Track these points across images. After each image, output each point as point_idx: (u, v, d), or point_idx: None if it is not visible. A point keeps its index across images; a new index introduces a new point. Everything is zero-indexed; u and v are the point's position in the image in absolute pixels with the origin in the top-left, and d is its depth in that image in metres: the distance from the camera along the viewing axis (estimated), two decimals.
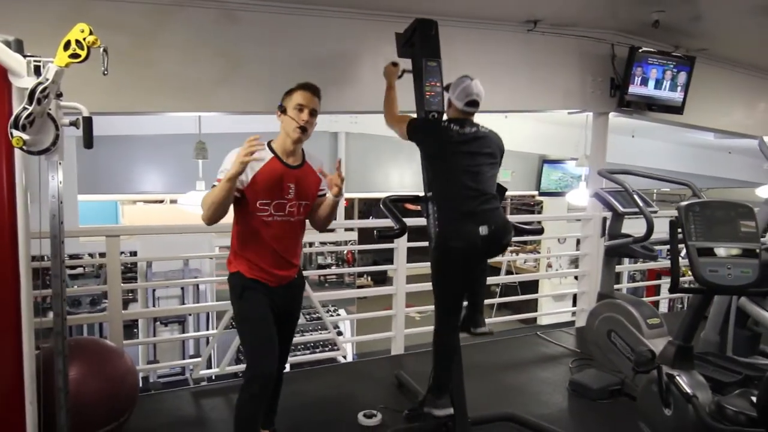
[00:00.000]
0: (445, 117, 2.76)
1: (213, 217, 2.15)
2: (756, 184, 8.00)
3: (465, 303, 2.79)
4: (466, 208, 2.51)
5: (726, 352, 3.51)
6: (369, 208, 13.22)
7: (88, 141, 2.01)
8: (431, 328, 2.76)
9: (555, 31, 4.13)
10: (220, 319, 3.41)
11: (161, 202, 8.13)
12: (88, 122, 2.00)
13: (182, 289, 6.44)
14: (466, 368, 2.77)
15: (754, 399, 1.95)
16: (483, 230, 2.48)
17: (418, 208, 2.83)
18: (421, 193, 2.87)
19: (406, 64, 2.92)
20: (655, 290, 6.82)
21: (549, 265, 8.66)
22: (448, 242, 2.57)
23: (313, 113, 2.27)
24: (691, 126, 5.06)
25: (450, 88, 2.70)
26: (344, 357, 4.56)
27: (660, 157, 8.92)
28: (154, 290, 6.28)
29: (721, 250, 2.12)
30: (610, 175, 3.29)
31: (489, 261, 2.83)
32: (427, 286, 3.73)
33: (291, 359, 3.26)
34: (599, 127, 4.62)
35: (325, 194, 2.40)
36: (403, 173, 7.70)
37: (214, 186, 2.16)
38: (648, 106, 4.51)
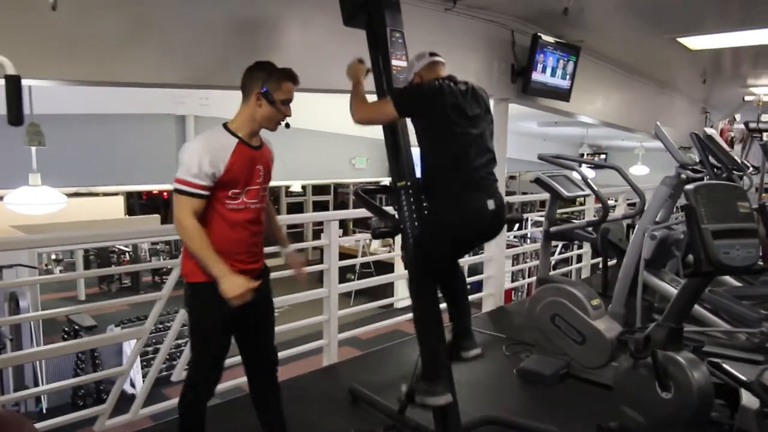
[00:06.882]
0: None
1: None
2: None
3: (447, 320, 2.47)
4: (472, 178, 2.18)
5: (635, 324, 3.79)
6: None
7: (16, 114, 1.28)
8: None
9: (469, 13, 4.03)
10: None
11: None
12: (13, 84, 1.28)
13: None
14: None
15: None
16: (491, 204, 2.18)
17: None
18: (388, 181, 2.54)
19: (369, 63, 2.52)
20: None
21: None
22: (445, 218, 2.20)
23: None
24: (572, 114, 5.41)
25: (410, 66, 2.42)
26: None
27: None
28: None
29: (728, 232, 2.17)
30: (554, 160, 3.29)
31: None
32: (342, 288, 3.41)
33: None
34: (500, 113, 4.63)
35: None
36: None
37: (180, 190, 1.91)
38: (545, 93, 4.66)
